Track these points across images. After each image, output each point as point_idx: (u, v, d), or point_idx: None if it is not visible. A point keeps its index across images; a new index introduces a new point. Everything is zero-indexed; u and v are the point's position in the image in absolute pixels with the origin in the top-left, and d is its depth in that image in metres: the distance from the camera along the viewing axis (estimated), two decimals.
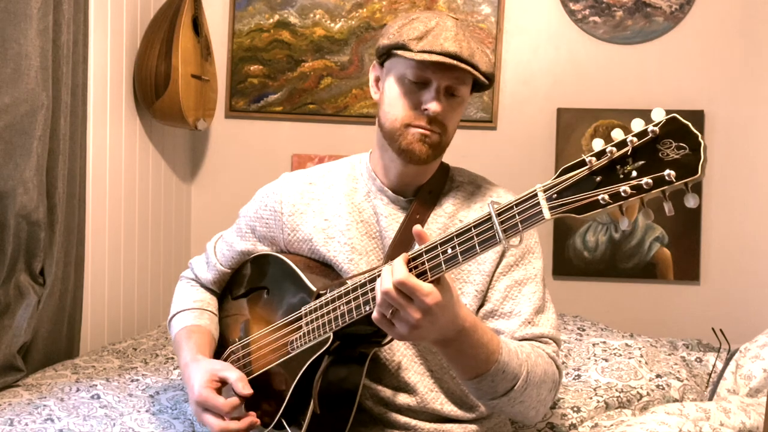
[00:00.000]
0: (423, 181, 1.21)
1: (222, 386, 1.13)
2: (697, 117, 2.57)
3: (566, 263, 2.68)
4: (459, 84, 1.12)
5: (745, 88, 2.60)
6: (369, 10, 2.72)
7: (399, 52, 1.11)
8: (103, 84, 2.15)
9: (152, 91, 2.29)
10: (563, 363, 1.76)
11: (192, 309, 1.31)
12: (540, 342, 1.14)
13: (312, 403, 1.06)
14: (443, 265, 0.90)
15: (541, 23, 2.70)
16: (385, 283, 0.91)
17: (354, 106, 2.73)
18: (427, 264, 0.91)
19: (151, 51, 2.30)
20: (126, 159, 2.30)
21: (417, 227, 0.94)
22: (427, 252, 0.92)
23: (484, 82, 1.13)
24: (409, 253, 0.94)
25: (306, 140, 2.78)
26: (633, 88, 2.65)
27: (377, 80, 1.20)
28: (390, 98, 1.15)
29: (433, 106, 1.10)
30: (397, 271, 0.91)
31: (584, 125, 2.66)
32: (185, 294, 1.36)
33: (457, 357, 1.01)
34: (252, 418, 1.11)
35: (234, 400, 1.09)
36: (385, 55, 1.16)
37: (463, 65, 1.08)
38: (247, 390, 1.10)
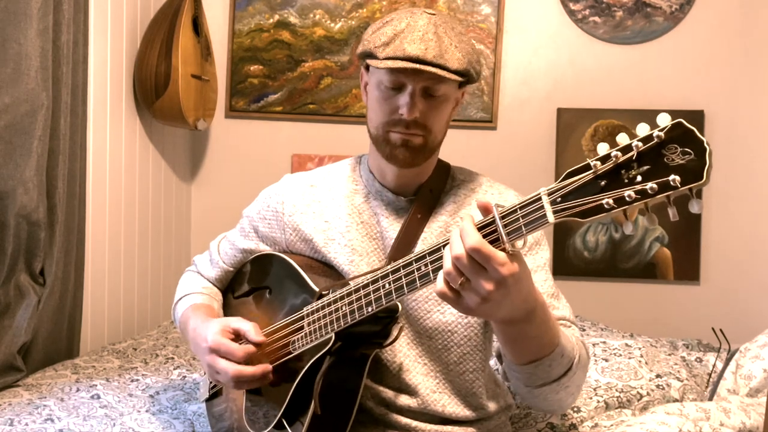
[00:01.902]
0: (422, 180, 1.21)
1: (235, 339, 1.13)
2: (697, 117, 2.58)
3: (566, 263, 2.68)
4: (436, 84, 1.09)
5: (745, 88, 2.60)
6: (369, 10, 2.72)
7: (368, 60, 1.11)
8: (103, 84, 2.15)
9: (152, 91, 2.29)
10: None
11: (201, 293, 1.32)
12: (562, 326, 1.11)
13: (313, 403, 1.06)
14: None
15: (541, 23, 2.70)
16: (456, 248, 0.84)
17: (354, 106, 2.73)
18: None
19: (151, 51, 2.30)
20: (126, 159, 2.30)
21: (481, 199, 0.87)
22: (416, 260, 0.92)
23: (457, 80, 1.10)
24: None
25: (306, 140, 2.78)
26: (633, 88, 2.65)
27: (366, 85, 1.20)
28: (371, 104, 1.16)
29: (407, 111, 1.09)
30: (469, 236, 0.83)
31: (584, 125, 2.66)
32: (193, 281, 1.37)
33: (519, 339, 0.96)
34: (265, 366, 1.10)
35: (249, 347, 1.09)
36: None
37: (426, 68, 1.05)
38: (260, 337, 1.10)
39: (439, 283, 0.87)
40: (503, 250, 0.84)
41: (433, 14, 1.11)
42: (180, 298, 1.33)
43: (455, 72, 1.07)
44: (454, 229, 0.87)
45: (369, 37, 1.12)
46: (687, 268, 2.64)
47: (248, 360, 1.10)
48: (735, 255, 2.63)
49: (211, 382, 1.30)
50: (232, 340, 1.13)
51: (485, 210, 0.86)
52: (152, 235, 2.50)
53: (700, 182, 0.71)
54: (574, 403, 1.12)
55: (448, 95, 1.13)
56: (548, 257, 1.20)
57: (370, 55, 1.11)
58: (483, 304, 0.85)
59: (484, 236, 0.84)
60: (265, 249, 1.29)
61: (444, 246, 0.89)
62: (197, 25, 2.43)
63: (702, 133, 0.73)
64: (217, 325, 1.14)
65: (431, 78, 1.08)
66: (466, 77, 1.11)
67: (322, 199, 1.25)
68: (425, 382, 1.16)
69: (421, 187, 1.20)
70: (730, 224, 2.63)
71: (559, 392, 1.04)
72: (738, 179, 2.61)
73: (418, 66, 1.05)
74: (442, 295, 0.87)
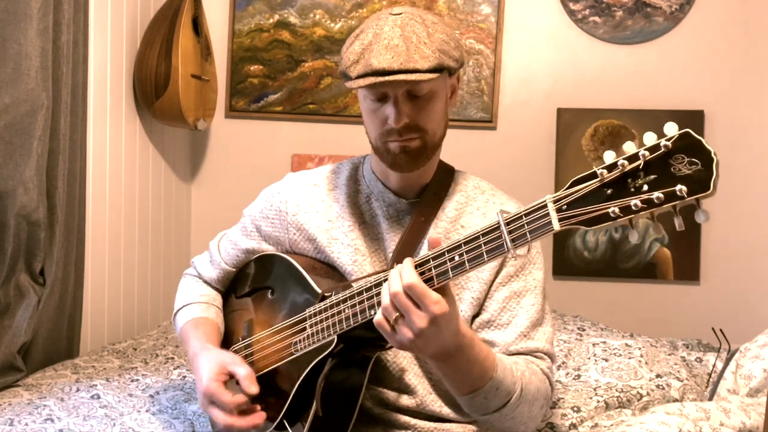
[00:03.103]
0: (425, 182, 1.20)
1: (230, 379, 1.13)
2: (697, 117, 2.58)
3: (566, 263, 2.68)
4: (416, 85, 1.08)
5: (746, 89, 2.60)
6: (369, 10, 2.72)
7: (345, 82, 1.11)
8: (103, 84, 2.14)
9: (152, 91, 2.29)
10: (563, 363, 1.76)
11: (198, 302, 1.32)
12: (534, 357, 1.14)
13: (314, 404, 1.06)
14: (450, 273, 0.90)
15: (541, 23, 2.70)
16: (393, 286, 0.90)
17: (354, 106, 2.73)
18: (434, 270, 0.91)
19: (151, 51, 2.29)
20: (126, 159, 2.29)
21: (434, 236, 0.93)
22: (434, 258, 0.91)
23: (432, 79, 1.05)
24: (417, 258, 0.93)
25: (306, 140, 2.78)
26: (633, 88, 2.65)
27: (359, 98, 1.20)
28: (364, 116, 1.16)
29: (393, 121, 1.08)
30: (406, 274, 0.89)
31: (584, 125, 2.66)
32: (191, 288, 1.36)
33: (452, 372, 1.01)
34: (257, 419, 1.10)
35: (240, 398, 1.08)
36: None
37: (396, 78, 1.03)
38: (254, 389, 1.09)
39: (378, 315, 0.93)
40: (437, 290, 0.89)
41: (399, 14, 1.08)
42: (179, 309, 1.33)
43: (428, 71, 1.05)
44: (393, 269, 0.92)
45: (343, 55, 1.11)
46: (687, 268, 2.64)
47: (240, 409, 1.09)
48: (735, 255, 2.63)
49: None
50: (227, 380, 1.11)
51: (433, 246, 0.92)
52: (152, 235, 2.50)
53: (707, 193, 0.71)
54: (531, 430, 1.13)
55: (435, 91, 1.11)
56: (541, 278, 1.19)
57: (345, 76, 1.10)
58: (416, 339, 0.90)
59: (422, 273, 0.91)
60: (268, 248, 1.29)
61: (449, 251, 0.90)
62: (197, 25, 2.43)
63: (702, 133, 0.74)
64: (213, 367, 1.11)
65: (407, 82, 1.06)
66: (442, 71, 1.08)
67: (325, 199, 1.25)
68: (423, 383, 1.16)
69: (425, 189, 1.20)
70: (730, 224, 2.62)
71: (504, 422, 1.07)
72: (738, 179, 2.60)
73: (386, 79, 1.03)
74: (379, 327, 0.93)
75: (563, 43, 2.69)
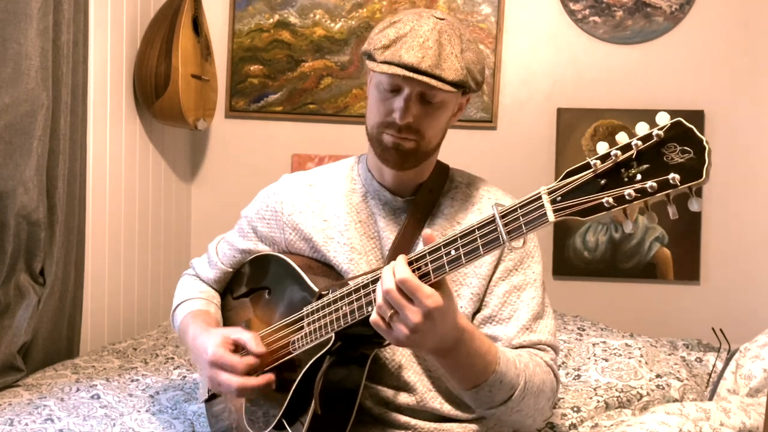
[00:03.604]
0: (420, 181, 1.21)
1: (235, 350, 1.13)
2: (697, 117, 2.58)
3: (566, 263, 2.68)
4: (432, 90, 1.08)
5: (746, 89, 2.60)
6: (369, 10, 2.72)
7: (367, 62, 1.12)
8: (103, 84, 2.15)
9: (152, 91, 2.29)
10: (563, 363, 1.76)
11: (198, 298, 1.32)
12: (538, 349, 1.14)
13: (313, 403, 1.06)
14: (446, 267, 0.90)
15: (541, 23, 2.70)
16: (386, 283, 0.90)
17: (354, 106, 2.74)
18: (430, 265, 0.91)
19: (151, 51, 2.30)
20: (126, 159, 2.30)
21: (427, 231, 0.92)
22: (430, 253, 0.91)
23: (450, 91, 1.07)
24: (411, 254, 0.93)
25: (306, 140, 2.78)
26: (633, 88, 2.65)
27: (370, 82, 1.20)
28: (370, 103, 1.16)
29: (399, 116, 1.09)
30: (399, 270, 0.90)
31: (584, 125, 2.66)
32: (190, 285, 1.37)
33: (454, 367, 1.01)
34: (269, 375, 1.10)
35: (249, 359, 1.09)
36: None
37: (420, 77, 1.04)
38: (260, 347, 1.10)
39: (374, 314, 0.93)
40: (434, 285, 0.89)
41: (442, 19, 1.09)
42: (178, 305, 1.33)
43: (450, 83, 1.06)
44: (386, 267, 0.92)
45: (373, 37, 1.12)
46: (687, 268, 2.64)
47: (250, 371, 1.10)
48: (735, 255, 2.63)
49: None
50: (233, 351, 1.12)
51: (427, 242, 0.92)
52: (152, 235, 2.50)
53: (700, 180, 0.72)
54: (541, 424, 1.13)
55: (446, 102, 1.12)
56: (540, 271, 1.19)
57: (370, 56, 1.11)
58: (412, 335, 0.90)
59: (417, 269, 0.91)
60: (264, 249, 1.29)
61: (445, 245, 0.91)
62: (197, 25, 2.43)
63: (702, 133, 0.74)
64: (217, 337, 1.13)
65: (427, 85, 1.07)
66: (463, 88, 1.10)
67: (320, 198, 1.25)
68: (422, 380, 1.16)
69: (420, 187, 1.20)
70: (730, 224, 2.62)
71: (511, 415, 1.06)
72: (738, 179, 2.61)
73: (410, 74, 1.05)
74: (375, 325, 0.93)
75: (563, 43, 2.69)
